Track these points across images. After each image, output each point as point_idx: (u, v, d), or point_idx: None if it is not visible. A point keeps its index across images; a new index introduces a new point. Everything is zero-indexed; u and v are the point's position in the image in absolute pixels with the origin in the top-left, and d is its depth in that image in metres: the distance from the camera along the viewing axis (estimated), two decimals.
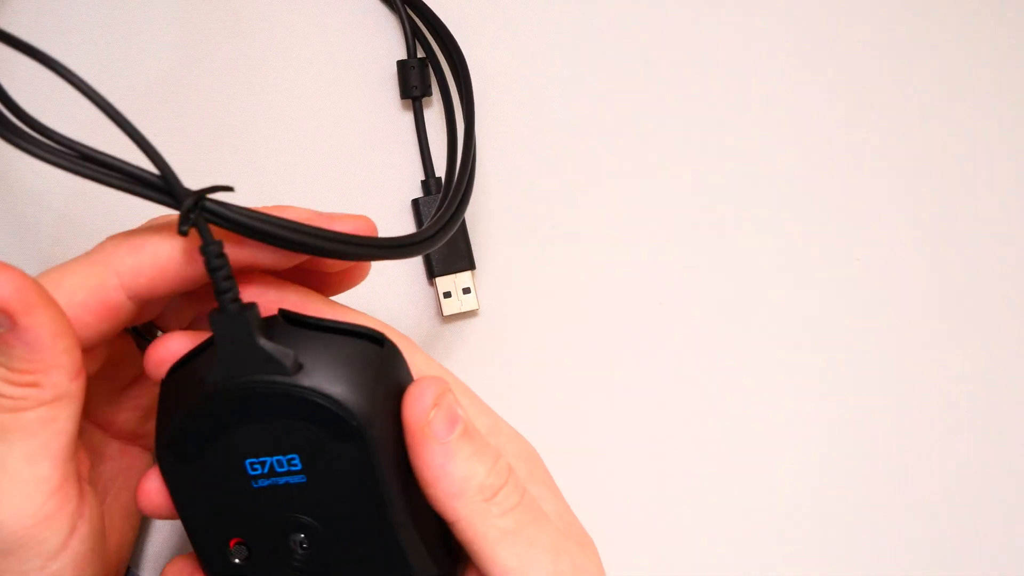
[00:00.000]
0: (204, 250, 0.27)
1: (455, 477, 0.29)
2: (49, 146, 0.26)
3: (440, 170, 0.41)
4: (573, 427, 0.42)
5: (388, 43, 0.42)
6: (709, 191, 0.44)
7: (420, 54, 0.42)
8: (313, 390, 0.27)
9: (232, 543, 0.30)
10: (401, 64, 0.41)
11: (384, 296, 0.41)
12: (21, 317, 0.26)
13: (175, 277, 0.29)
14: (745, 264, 0.44)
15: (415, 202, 0.41)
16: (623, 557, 0.41)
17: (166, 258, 0.29)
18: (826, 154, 0.45)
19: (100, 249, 0.29)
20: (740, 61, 0.45)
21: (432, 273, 0.41)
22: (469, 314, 0.42)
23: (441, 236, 0.33)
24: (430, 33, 0.41)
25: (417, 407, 0.29)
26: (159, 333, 0.33)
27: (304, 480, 0.28)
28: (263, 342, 0.27)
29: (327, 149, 0.41)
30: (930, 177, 0.46)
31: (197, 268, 0.29)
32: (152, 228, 0.29)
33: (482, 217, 0.42)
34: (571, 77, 0.44)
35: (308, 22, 0.42)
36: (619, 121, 0.44)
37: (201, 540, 0.30)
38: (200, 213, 0.27)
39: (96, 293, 0.28)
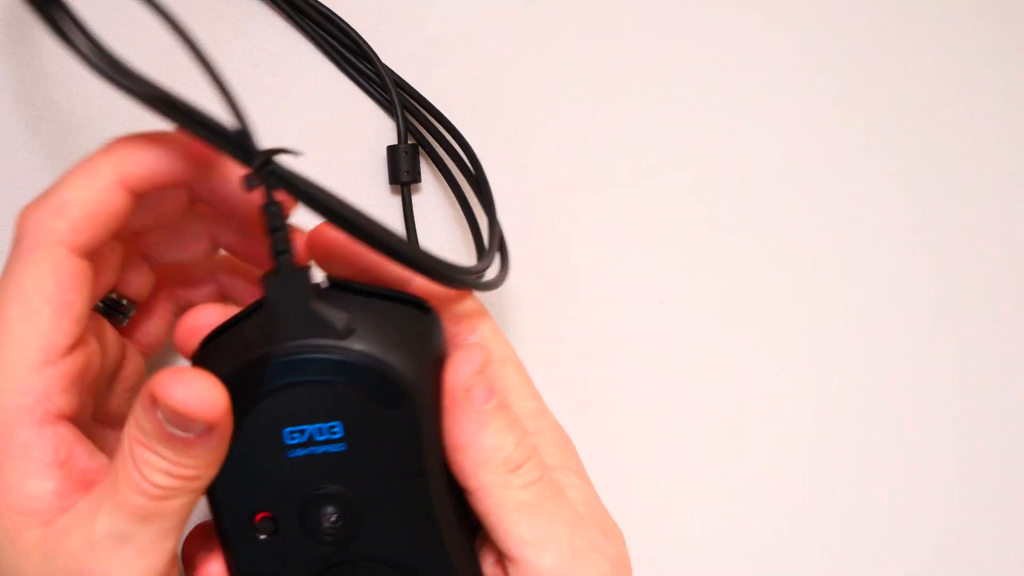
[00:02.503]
0: (267, 209, 0.27)
1: (485, 445, 0.29)
2: (142, 91, 0.27)
3: None
4: (579, 428, 0.41)
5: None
6: (709, 191, 0.45)
7: (411, 140, 0.43)
8: (365, 354, 0.27)
9: (258, 518, 0.28)
10: (391, 149, 0.42)
11: None
12: (218, 427, 0.26)
13: (171, 177, 0.29)
14: (745, 263, 0.45)
15: None
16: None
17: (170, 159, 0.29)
18: (825, 154, 0.47)
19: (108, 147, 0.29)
20: (739, 61, 0.47)
21: None
22: None
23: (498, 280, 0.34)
24: (421, 123, 0.43)
25: (461, 372, 0.29)
26: (125, 303, 0.33)
27: (344, 449, 0.27)
28: (317, 305, 0.27)
29: None
30: (929, 177, 0.48)
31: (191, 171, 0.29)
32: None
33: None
34: (568, 79, 0.45)
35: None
36: (618, 124, 0.45)
37: (225, 514, 0.28)
38: (269, 173, 0.27)
39: (98, 194, 0.28)
